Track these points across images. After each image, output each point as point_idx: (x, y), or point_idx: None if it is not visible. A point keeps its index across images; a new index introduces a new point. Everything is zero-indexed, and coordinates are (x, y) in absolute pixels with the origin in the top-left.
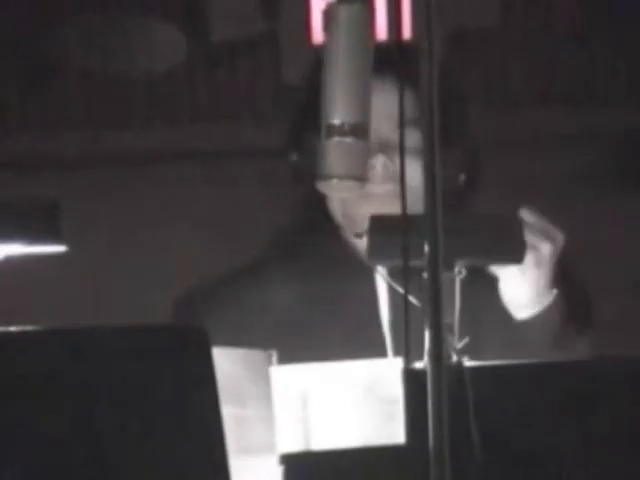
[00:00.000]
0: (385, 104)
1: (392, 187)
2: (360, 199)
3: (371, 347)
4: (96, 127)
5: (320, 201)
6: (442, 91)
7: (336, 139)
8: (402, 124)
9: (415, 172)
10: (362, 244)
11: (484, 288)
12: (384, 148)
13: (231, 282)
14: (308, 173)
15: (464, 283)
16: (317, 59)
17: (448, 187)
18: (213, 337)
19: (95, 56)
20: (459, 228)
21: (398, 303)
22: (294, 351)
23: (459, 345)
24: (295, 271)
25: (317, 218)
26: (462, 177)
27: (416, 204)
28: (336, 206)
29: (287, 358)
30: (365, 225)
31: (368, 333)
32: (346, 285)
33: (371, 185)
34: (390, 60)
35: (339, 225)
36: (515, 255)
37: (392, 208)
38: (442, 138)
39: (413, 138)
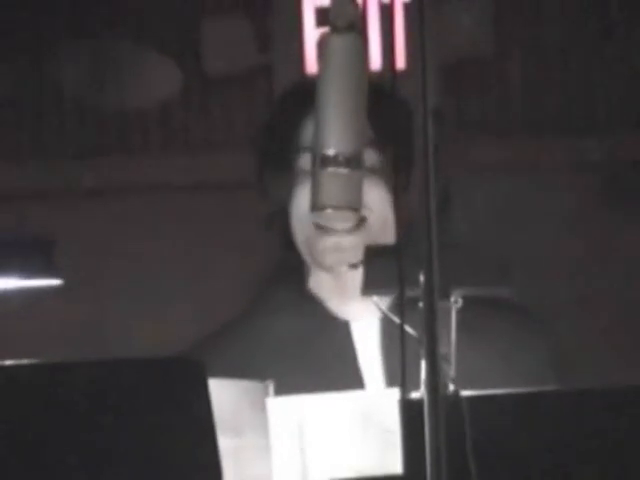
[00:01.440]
0: None
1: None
2: (321, 231)
3: (350, 386)
4: (89, 158)
5: (290, 240)
6: (406, 129)
7: (330, 170)
8: (396, 170)
9: (377, 196)
10: (327, 294)
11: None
12: None
13: (221, 340)
14: (277, 215)
15: (460, 312)
16: (276, 105)
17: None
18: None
19: (89, 87)
20: (455, 258)
21: (391, 336)
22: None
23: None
24: (269, 328)
25: (289, 260)
26: None
27: (383, 232)
28: (299, 240)
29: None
30: (325, 258)
31: (347, 374)
32: (321, 333)
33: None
34: None
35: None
36: (509, 284)
37: (354, 236)
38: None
39: (371, 158)
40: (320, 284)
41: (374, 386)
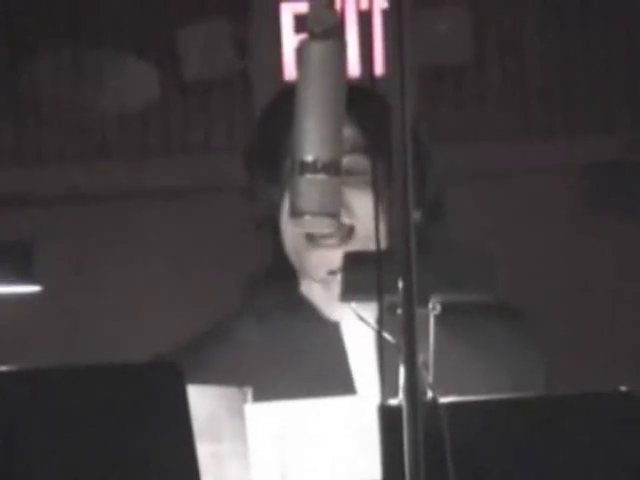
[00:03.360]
0: None
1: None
2: (309, 245)
3: (342, 391)
4: (68, 164)
5: (280, 246)
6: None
7: (308, 176)
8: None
9: (365, 204)
10: (318, 298)
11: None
12: None
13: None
14: (266, 218)
15: (438, 319)
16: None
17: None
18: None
19: (68, 92)
20: (433, 264)
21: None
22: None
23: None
24: (262, 328)
25: (279, 266)
26: (418, 214)
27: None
28: (289, 246)
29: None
30: (312, 271)
31: (338, 378)
32: (312, 337)
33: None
34: None
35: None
36: (488, 290)
37: (341, 250)
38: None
39: (357, 163)
40: (311, 289)
41: (365, 388)
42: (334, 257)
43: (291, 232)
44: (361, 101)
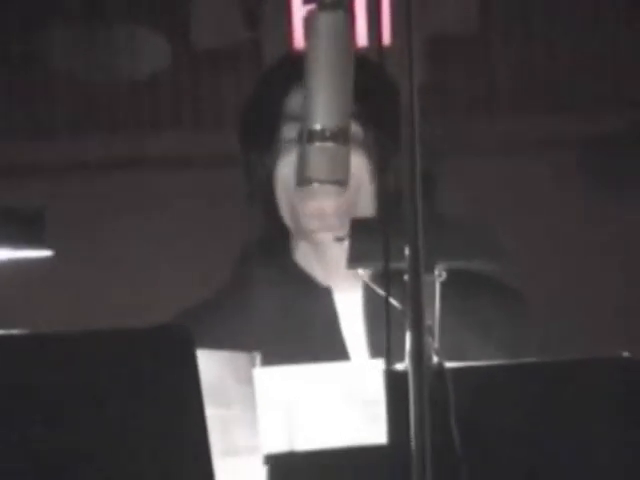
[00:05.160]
0: None
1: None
2: (305, 196)
3: (334, 356)
4: (80, 133)
5: (275, 212)
6: (386, 104)
7: (317, 144)
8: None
9: (354, 162)
10: (312, 266)
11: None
12: None
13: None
14: (259, 188)
15: (444, 286)
16: (262, 76)
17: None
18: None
19: (79, 61)
20: (439, 232)
21: (374, 308)
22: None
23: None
24: (257, 296)
25: (273, 234)
26: None
27: (359, 197)
28: (284, 209)
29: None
30: (309, 223)
31: (330, 344)
32: (305, 303)
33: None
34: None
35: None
36: (495, 258)
37: (335, 200)
38: (384, 139)
39: (353, 130)
40: (305, 256)
41: (357, 355)
42: (327, 206)
43: (285, 189)
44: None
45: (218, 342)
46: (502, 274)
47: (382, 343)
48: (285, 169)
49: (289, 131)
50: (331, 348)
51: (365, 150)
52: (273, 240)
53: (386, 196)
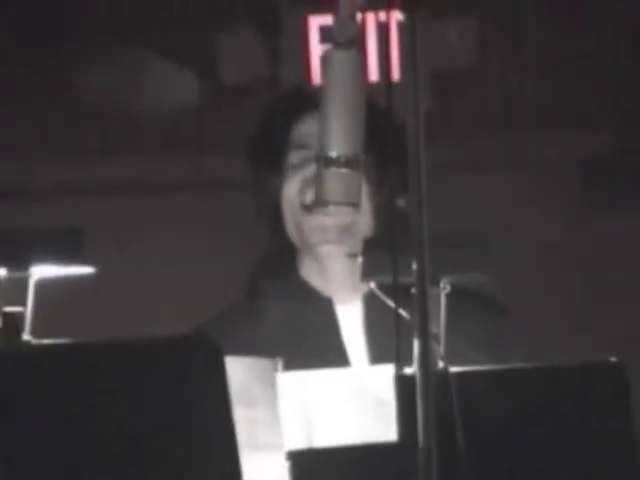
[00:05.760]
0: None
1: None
2: (308, 212)
3: (335, 361)
4: (114, 157)
5: (282, 231)
6: (382, 122)
7: (333, 170)
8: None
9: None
10: (315, 280)
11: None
12: None
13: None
14: (267, 207)
15: (449, 297)
16: (270, 108)
17: (387, 208)
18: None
19: (111, 92)
20: (444, 248)
21: (373, 318)
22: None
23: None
24: (265, 311)
25: (280, 252)
26: (403, 199)
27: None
28: (290, 226)
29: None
30: (314, 236)
31: (332, 351)
32: (310, 315)
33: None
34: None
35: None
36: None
37: (335, 216)
38: (379, 162)
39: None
40: (309, 272)
41: (356, 360)
42: (328, 221)
43: (291, 207)
44: None
45: (233, 348)
46: (493, 285)
47: (380, 350)
48: (291, 190)
49: (295, 157)
50: (333, 354)
51: (365, 175)
52: (281, 258)
53: (386, 214)
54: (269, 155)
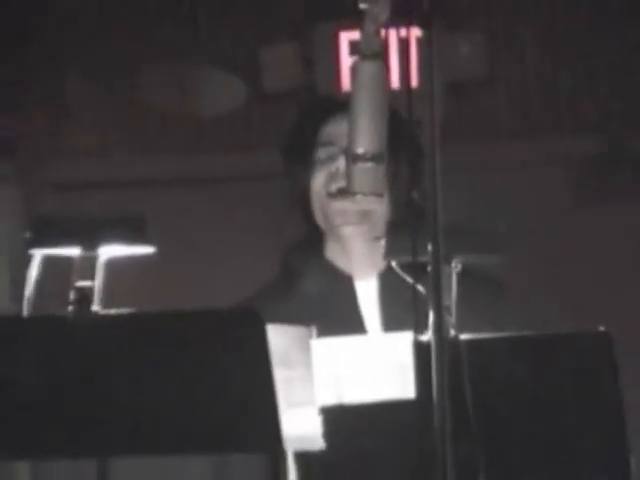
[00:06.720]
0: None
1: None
2: (330, 200)
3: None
4: (173, 154)
5: (311, 218)
6: (395, 121)
7: (360, 164)
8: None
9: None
10: (339, 260)
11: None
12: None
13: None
14: (298, 196)
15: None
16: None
17: (401, 201)
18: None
19: (173, 97)
20: (455, 232)
21: (387, 292)
22: None
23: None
24: (296, 287)
25: (310, 236)
26: (415, 193)
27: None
28: (317, 212)
29: None
30: (337, 219)
31: (351, 321)
32: (333, 290)
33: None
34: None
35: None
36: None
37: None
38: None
39: None
40: (334, 253)
41: (372, 329)
42: (348, 206)
43: (319, 196)
44: None
45: (273, 318)
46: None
47: (393, 320)
48: (318, 182)
49: (322, 153)
50: (352, 324)
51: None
52: (309, 242)
53: (402, 203)
54: (300, 152)
